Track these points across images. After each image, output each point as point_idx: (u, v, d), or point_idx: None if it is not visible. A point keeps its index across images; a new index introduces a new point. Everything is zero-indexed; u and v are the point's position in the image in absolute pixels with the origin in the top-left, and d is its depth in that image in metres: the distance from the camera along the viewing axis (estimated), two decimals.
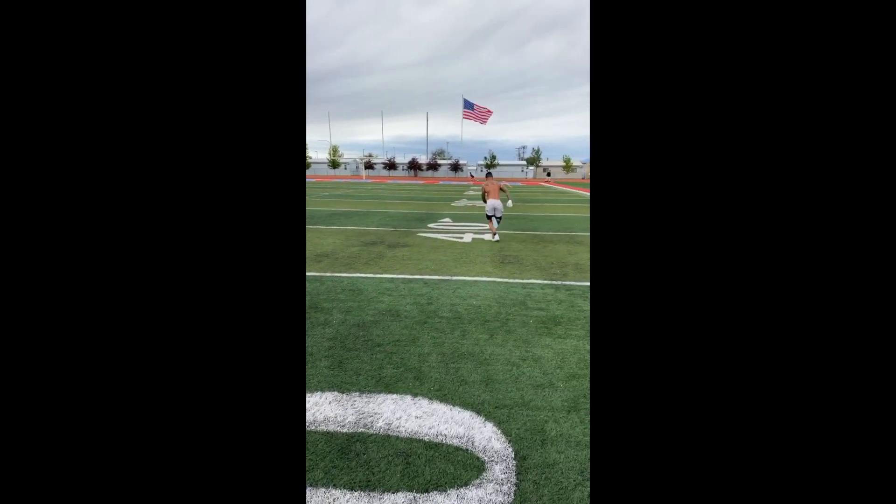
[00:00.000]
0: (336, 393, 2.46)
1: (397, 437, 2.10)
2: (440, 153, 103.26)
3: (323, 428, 2.16)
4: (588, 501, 1.75)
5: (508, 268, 5.51)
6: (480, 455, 2.00)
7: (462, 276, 5.05)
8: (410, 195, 20.12)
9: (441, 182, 45.68)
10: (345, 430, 2.14)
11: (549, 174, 61.94)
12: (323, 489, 1.79)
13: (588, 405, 2.37)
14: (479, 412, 2.32)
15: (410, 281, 4.78)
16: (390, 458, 1.97)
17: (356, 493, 1.77)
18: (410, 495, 1.77)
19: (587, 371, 2.76)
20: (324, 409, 2.31)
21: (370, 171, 69.62)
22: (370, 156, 78.37)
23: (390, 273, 5.09)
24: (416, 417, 2.26)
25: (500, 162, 76.49)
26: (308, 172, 69.13)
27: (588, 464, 1.88)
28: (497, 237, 7.50)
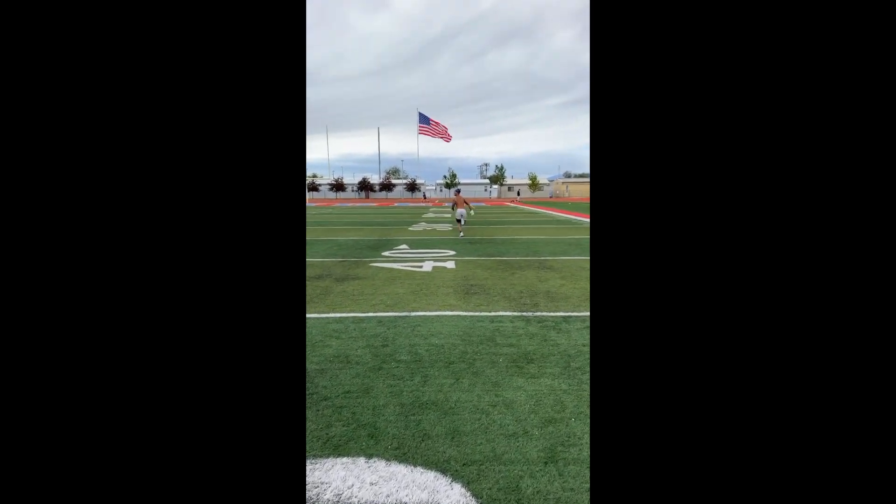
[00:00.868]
0: None
1: None
2: (394, 172, 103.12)
3: None
4: None
5: (474, 299, 5.53)
6: None
7: (422, 310, 5.00)
8: (361, 220, 19.86)
9: (396, 204, 46.09)
10: None
11: (519, 193, 62.24)
12: None
13: (566, 454, 2.39)
14: (444, 472, 2.27)
15: (362, 320, 4.70)
16: None
17: None
18: None
19: (564, 414, 2.76)
20: None
21: (314, 192, 68.35)
22: (314, 176, 77.78)
23: (339, 312, 4.99)
24: (372, 484, 2.19)
25: (463, 180, 77.81)
26: None
27: None
28: (462, 234, 12.58)
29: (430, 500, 2.08)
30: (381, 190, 71.20)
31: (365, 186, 70.78)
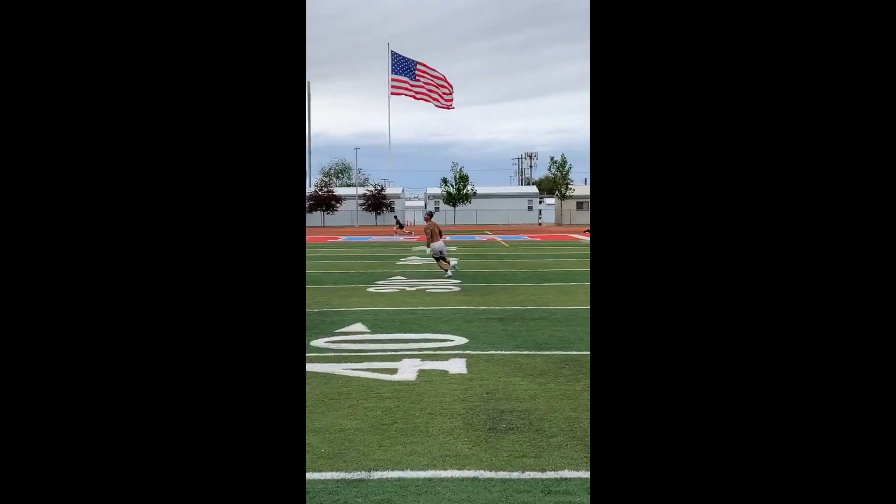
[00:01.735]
0: None
1: None
2: (341, 172, 75.69)
3: None
4: None
5: (508, 443, 3.69)
6: None
7: (396, 469, 3.30)
8: None
9: (342, 238, 32.61)
10: None
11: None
12: None
13: None
14: None
15: None
16: None
17: None
18: None
19: None
20: None
21: None
22: None
23: None
24: None
25: (481, 190, 54.99)
26: None
27: None
28: (452, 271, 10.07)
29: None
30: (312, 209, 50.86)
31: None
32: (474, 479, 3.18)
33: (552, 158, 57.59)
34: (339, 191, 56.35)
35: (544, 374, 5.27)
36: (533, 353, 6.12)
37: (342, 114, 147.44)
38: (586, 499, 2.95)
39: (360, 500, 2.98)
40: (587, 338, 6.71)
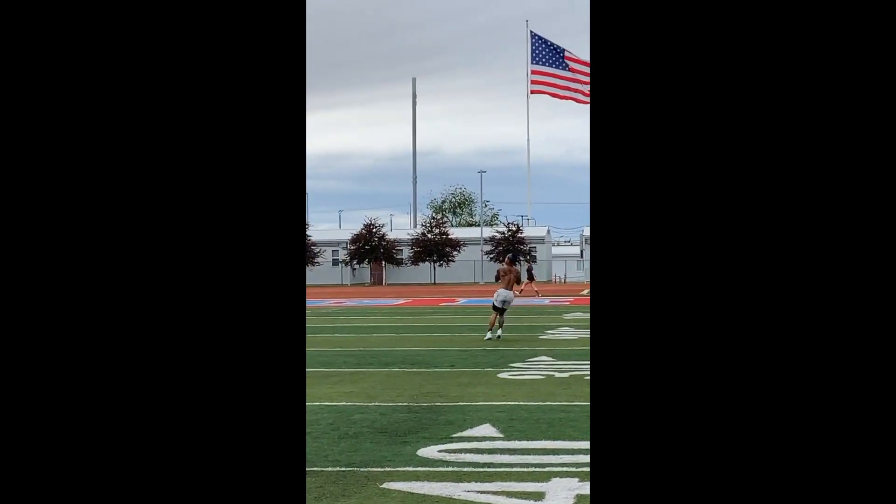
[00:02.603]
0: None
1: None
2: (457, 205, 75.41)
3: None
4: None
5: None
6: None
7: None
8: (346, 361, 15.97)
9: (461, 301, 32.48)
10: None
11: None
12: None
13: None
14: None
15: None
16: None
17: None
18: None
19: None
20: None
21: None
22: None
23: None
24: None
25: None
26: None
27: None
28: (496, 334, 12.72)
29: None
30: (418, 259, 49.49)
31: (362, 256, 49.83)
32: None
33: None
34: (456, 232, 54.20)
35: None
36: None
37: (459, 123, 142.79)
38: None
39: None
40: None
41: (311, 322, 15.41)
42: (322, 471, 5.56)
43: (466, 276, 51.79)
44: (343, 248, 54.47)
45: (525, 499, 4.93)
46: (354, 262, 54.42)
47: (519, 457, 6.12)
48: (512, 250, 49.55)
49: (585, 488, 4.99)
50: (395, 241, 53.92)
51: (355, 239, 53.18)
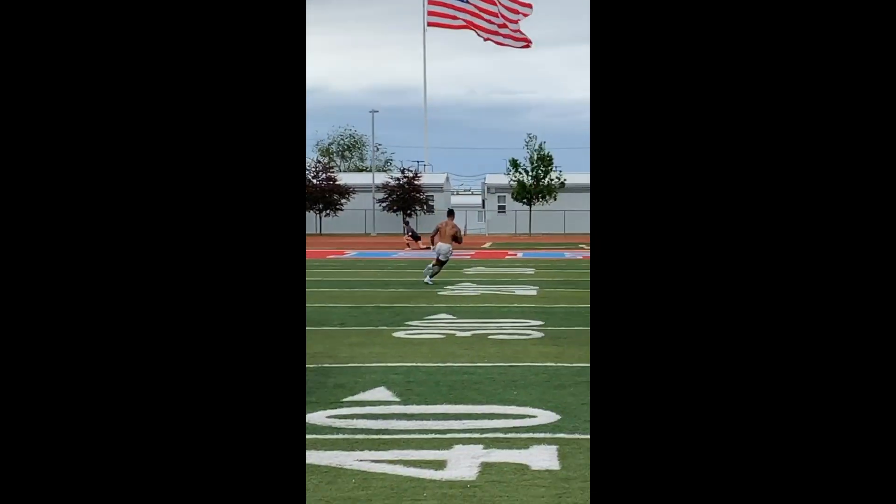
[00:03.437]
0: None
1: None
2: (346, 148, 76.18)
3: None
4: None
5: None
6: None
7: None
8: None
9: (350, 253, 33.03)
10: None
11: None
12: None
13: None
14: None
15: None
16: None
17: None
18: None
19: None
20: None
21: None
22: None
23: None
24: None
25: (572, 180, 53.40)
26: None
27: None
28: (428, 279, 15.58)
29: None
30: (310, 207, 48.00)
31: None
32: None
33: None
34: (345, 178, 54.00)
35: None
36: None
37: (349, 58, 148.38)
38: None
39: None
40: None
41: None
42: None
43: (356, 227, 51.89)
44: None
45: (424, 468, 5.01)
46: None
47: (417, 422, 6.26)
48: (408, 199, 49.85)
49: (490, 456, 5.20)
50: None
51: None
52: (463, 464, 5.06)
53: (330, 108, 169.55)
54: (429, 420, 6.33)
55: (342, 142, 79.81)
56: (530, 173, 52.95)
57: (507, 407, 6.79)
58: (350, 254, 32.48)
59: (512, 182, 53.73)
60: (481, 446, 5.48)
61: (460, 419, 6.34)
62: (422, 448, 5.51)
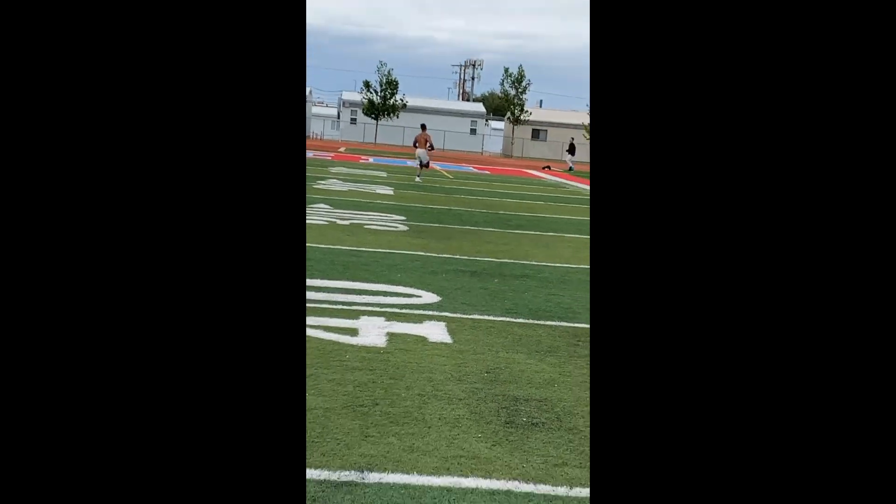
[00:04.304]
0: None
1: None
2: None
3: None
4: None
5: (537, 440, 3.82)
6: None
7: (397, 472, 3.37)
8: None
9: None
10: None
11: (571, 150, 40.55)
12: None
13: None
14: None
15: None
16: None
17: None
18: None
19: None
20: None
21: None
22: None
23: None
24: None
25: (413, 102, 59.11)
26: None
27: None
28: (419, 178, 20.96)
29: None
30: None
31: None
32: (509, 494, 3.28)
33: (506, 70, 60.11)
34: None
35: (555, 353, 5.56)
36: (530, 321, 6.48)
37: None
38: None
39: None
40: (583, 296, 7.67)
41: None
42: None
43: None
44: None
45: (342, 334, 5.46)
46: None
47: (324, 294, 6.73)
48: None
49: (393, 327, 5.73)
50: None
51: None
52: (372, 332, 5.55)
53: None
54: (333, 293, 6.74)
55: None
56: (379, 93, 58.35)
57: (395, 287, 7.28)
58: None
59: (363, 99, 58.83)
60: (383, 318, 5.99)
61: (360, 294, 6.80)
62: (334, 317, 5.92)
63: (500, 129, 60.94)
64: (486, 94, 68.33)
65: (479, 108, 63.87)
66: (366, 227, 11.54)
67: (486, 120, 62.15)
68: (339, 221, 11.86)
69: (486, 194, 21.34)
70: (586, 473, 3.50)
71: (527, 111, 58.90)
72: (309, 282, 7.10)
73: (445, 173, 28.72)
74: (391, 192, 17.33)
